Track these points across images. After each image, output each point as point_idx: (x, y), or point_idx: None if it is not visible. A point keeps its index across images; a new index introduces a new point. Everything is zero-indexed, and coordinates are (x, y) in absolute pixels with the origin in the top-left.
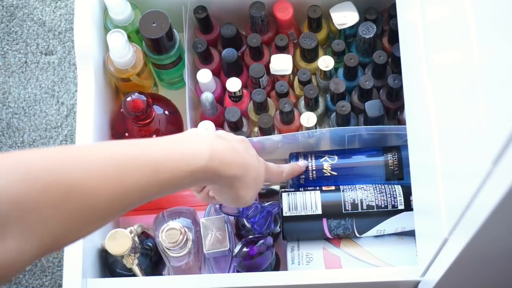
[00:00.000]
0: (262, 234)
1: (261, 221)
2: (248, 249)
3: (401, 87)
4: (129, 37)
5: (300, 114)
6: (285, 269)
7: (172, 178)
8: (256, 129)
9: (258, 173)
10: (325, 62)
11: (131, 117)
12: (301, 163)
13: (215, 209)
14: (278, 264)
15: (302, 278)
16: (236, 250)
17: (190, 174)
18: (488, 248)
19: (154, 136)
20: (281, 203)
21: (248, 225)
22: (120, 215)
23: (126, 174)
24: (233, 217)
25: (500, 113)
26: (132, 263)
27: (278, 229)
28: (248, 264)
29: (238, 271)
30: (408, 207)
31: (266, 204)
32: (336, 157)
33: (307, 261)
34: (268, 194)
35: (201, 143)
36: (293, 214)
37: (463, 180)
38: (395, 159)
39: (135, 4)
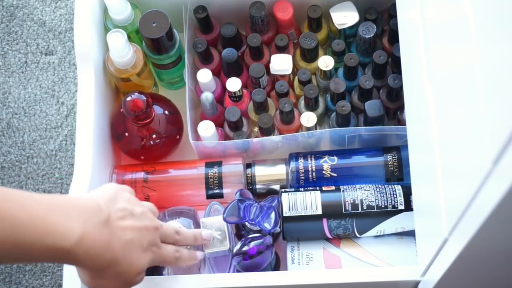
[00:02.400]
0: (270, 233)
1: (267, 219)
2: (247, 249)
3: (401, 87)
4: (129, 37)
5: (300, 114)
6: (285, 269)
7: (29, 247)
8: (256, 129)
9: (128, 267)
10: (325, 62)
11: (131, 117)
12: (198, 254)
13: (214, 209)
14: (278, 264)
15: (302, 278)
16: (236, 249)
17: (52, 252)
18: (488, 248)
19: (154, 136)
20: (281, 203)
21: (254, 228)
22: None
23: None
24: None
25: (500, 113)
26: None
27: (278, 229)
28: (248, 263)
29: (238, 271)
30: (408, 207)
31: (263, 201)
32: (336, 158)
33: (307, 261)
34: (267, 194)
35: (77, 222)
36: (293, 214)
37: (463, 180)
38: (395, 160)
39: (135, 4)
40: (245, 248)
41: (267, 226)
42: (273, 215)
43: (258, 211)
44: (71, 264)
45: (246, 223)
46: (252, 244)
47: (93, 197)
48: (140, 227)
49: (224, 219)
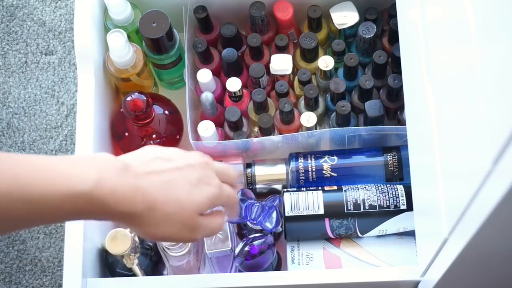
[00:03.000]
0: (272, 232)
1: (269, 218)
2: (249, 249)
3: (401, 87)
4: (129, 37)
5: (300, 114)
6: (285, 269)
7: (40, 198)
8: (256, 129)
9: (179, 206)
10: (325, 62)
11: (131, 116)
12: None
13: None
14: (279, 264)
15: (302, 278)
16: (238, 250)
17: (67, 200)
18: (488, 248)
19: (154, 136)
20: (283, 203)
21: (256, 227)
22: None
23: None
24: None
25: (500, 113)
26: (132, 263)
27: (280, 228)
28: (250, 263)
29: (240, 271)
30: (411, 207)
31: (265, 201)
32: (336, 157)
33: (307, 261)
34: (268, 194)
35: (90, 169)
36: (295, 214)
37: (463, 180)
38: (395, 160)
39: (135, 4)
40: (247, 248)
41: (269, 225)
42: (274, 214)
43: (260, 210)
44: (99, 216)
45: (248, 222)
46: (254, 244)
47: (107, 153)
48: (179, 167)
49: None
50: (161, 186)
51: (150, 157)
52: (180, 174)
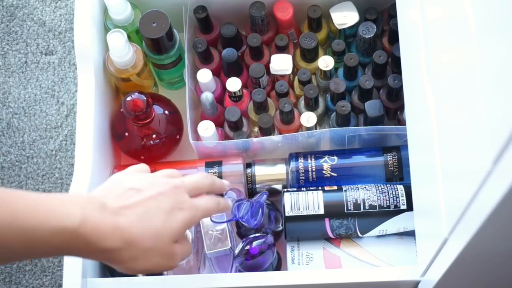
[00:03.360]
0: (267, 231)
1: (255, 216)
2: (249, 248)
3: (401, 87)
4: (129, 37)
5: (300, 114)
6: (285, 269)
7: (33, 232)
8: (256, 129)
9: (156, 239)
10: (325, 62)
11: (131, 117)
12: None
13: None
14: (279, 264)
15: (302, 278)
16: (238, 250)
17: (56, 235)
18: (488, 248)
19: (154, 136)
20: (283, 203)
21: (245, 225)
22: None
23: None
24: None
25: (500, 113)
26: None
27: (280, 227)
28: (250, 263)
29: (240, 271)
30: (411, 207)
31: (253, 198)
32: (335, 157)
33: (307, 261)
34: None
35: (75, 207)
36: (296, 214)
37: (463, 180)
38: (395, 160)
39: (135, 4)
40: (247, 248)
41: (254, 222)
42: (260, 211)
43: (247, 208)
44: (84, 252)
45: (240, 221)
46: (254, 244)
47: (83, 193)
48: (151, 196)
49: (211, 220)
50: (136, 220)
51: (122, 189)
52: (153, 204)
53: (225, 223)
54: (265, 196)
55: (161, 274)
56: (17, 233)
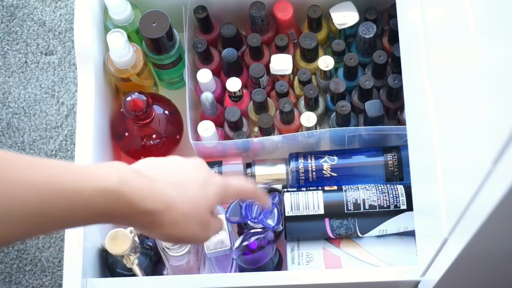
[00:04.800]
0: (273, 230)
1: (270, 215)
2: (248, 243)
3: (401, 87)
4: (129, 37)
5: (300, 114)
6: (285, 269)
7: (75, 193)
8: (256, 129)
9: (194, 205)
10: (325, 62)
11: (131, 116)
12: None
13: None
14: (280, 263)
15: (302, 278)
16: (237, 243)
17: (99, 195)
18: (488, 248)
19: (154, 136)
20: (283, 203)
21: (257, 226)
22: (20, 238)
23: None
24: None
25: (500, 113)
26: (132, 263)
27: (281, 227)
28: (249, 258)
29: (239, 267)
30: (411, 207)
31: None
32: (335, 157)
33: (307, 261)
34: (269, 194)
35: (111, 171)
36: (296, 214)
37: (463, 180)
38: (395, 159)
39: (135, 4)
40: (245, 243)
41: (271, 223)
42: (275, 211)
43: (260, 209)
44: (124, 217)
45: (249, 221)
46: (253, 238)
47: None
48: (184, 167)
49: (227, 219)
50: (173, 186)
51: (154, 164)
52: (188, 174)
53: (225, 223)
54: (277, 197)
55: (160, 274)
56: (59, 194)
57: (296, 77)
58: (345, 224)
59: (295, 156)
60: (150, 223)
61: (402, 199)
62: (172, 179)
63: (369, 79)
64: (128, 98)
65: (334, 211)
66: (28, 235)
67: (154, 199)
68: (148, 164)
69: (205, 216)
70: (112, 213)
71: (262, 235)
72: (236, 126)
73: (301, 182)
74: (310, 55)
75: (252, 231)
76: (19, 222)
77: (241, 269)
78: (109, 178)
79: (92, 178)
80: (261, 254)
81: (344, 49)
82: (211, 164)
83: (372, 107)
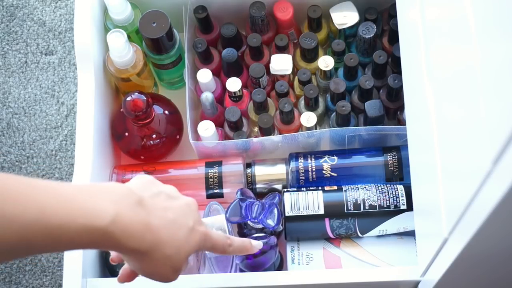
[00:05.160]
0: (272, 231)
1: (270, 216)
2: None
3: (401, 87)
4: (129, 37)
5: (300, 114)
6: (285, 269)
7: (60, 230)
8: (256, 129)
9: (177, 250)
10: (325, 62)
11: (131, 117)
12: (255, 243)
13: (213, 208)
14: (282, 264)
15: (302, 278)
16: None
17: (85, 234)
18: (488, 248)
19: (154, 136)
20: (283, 203)
21: (257, 226)
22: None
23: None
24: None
25: (500, 113)
26: None
27: (280, 227)
28: (251, 263)
29: (240, 270)
30: (411, 207)
31: (265, 199)
32: (335, 157)
33: (307, 261)
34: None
35: (109, 203)
36: (296, 214)
37: (463, 180)
38: (395, 159)
39: (135, 4)
40: None
41: (271, 223)
42: (275, 211)
43: (260, 209)
44: (109, 248)
45: (249, 221)
46: None
47: (121, 184)
48: (181, 205)
49: (227, 219)
50: (166, 225)
51: (156, 190)
52: (182, 215)
53: (225, 223)
54: (277, 197)
55: None
56: (43, 230)
57: (296, 77)
58: (345, 224)
59: (295, 156)
60: (131, 257)
61: (402, 199)
62: (167, 217)
63: (369, 79)
64: (128, 98)
65: (334, 211)
66: (5, 260)
67: (143, 238)
68: (150, 191)
69: (181, 262)
70: (96, 247)
71: (265, 240)
72: (236, 126)
73: (301, 182)
74: (310, 55)
75: (255, 235)
76: None
77: (242, 271)
78: (101, 216)
79: (83, 214)
80: (263, 259)
81: (344, 49)
82: (211, 164)
83: (372, 107)
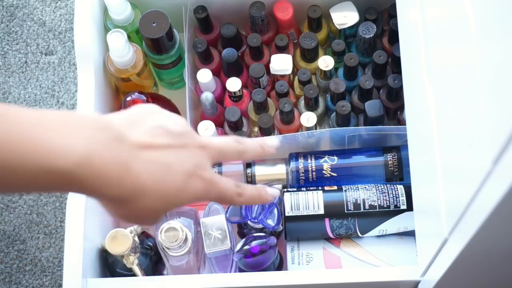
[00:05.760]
0: (273, 231)
1: (270, 216)
2: (249, 247)
3: (401, 87)
4: (129, 37)
5: (300, 114)
6: (285, 269)
7: (16, 169)
8: (256, 129)
9: (165, 200)
10: (325, 62)
11: None
12: (271, 191)
13: (213, 209)
14: (281, 264)
15: (302, 278)
16: (239, 246)
17: (44, 175)
18: (488, 248)
19: None
20: (283, 203)
21: (257, 226)
22: None
23: None
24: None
25: (500, 113)
26: (132, 263)
27: (280, 227)
28: (250, 261)
29: (239, 269)
30: (411, 207)
31: None
32: (335, 157)
33: (307, 261)
34: None
35: (78, 139)
36: (296, 214)
37: (463, 180)
38: (395, 159)
39: (135, 4)
40: (246, 247)
41: (271, 223)
42: (275, 211)
43: (260, 209)
44: (76, 192)
45: (249, 221)
46: (254, 243)
47: (99, 115)
48: (177, 146)
49: (227, 219)
50: (153, 170)
51: (150, 123)
52: (176, 158)
53: (225, 223)
54: (277, 197)
55: (160, 274)
56: None
57: (296, 77)
58: (345, 224)
59: (295, 156)
60: (105, 203)
61: (402, 199)
62: (155, 158)
63: (369, 79)
64: (128, 98)
65: (334, 211)
66: None
67: (119, 185)
68: (140, 124)
69: (165, 212)
70: (60, 190)
71: (265, 240)
72: (236, 126)
73: (301, 182)
74: (310, 55)
75: (254, 234)
76: None
77: (241, 270)
78: (66, 155)
79: (41, 150)
80: (262, 258)
81: (344, 49)
82: None
83: (372, 107)
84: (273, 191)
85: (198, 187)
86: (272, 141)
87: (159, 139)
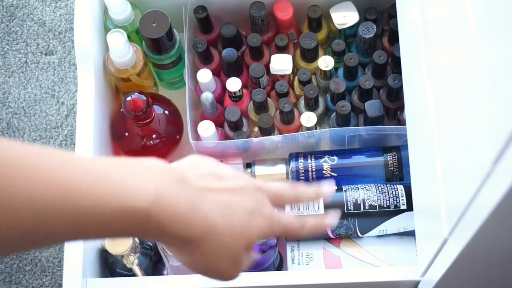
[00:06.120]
0: None
1: None
2: None
3: (401, 87)
4: (129, 37)
5: (300, 114)
6: (285, 269)
7: (92, 214)
8: (256, 129)
9: (233, 238)
10: (325, 62)
11: (131, 117)
12: (329, 220)
13: None
14: (281, 264)
15: (302, 278)
16: None
17: (122, 216)
18: (488, 248)
19: (154, 136)
20: None
21: None
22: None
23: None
24: None
25: (500, 112)
26: (132, 263)
27: None
28: None
29: None
30: (411, 207)
31: None
32: (336, 157)
33: (307, 261)
34: None
35: (147, 180)
36: (296, 214)
37: (463, 180)
38: (395, 159)
39: (135, 4)
40: None
41: None
42: None
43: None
44: (150, 235)
45: None
46: None
47: (160, 160)
48: (234, 189)
49: None
50: (219, 209)
51: (202, 170)
52: (236, 198)
53: None
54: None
55: (160, 274)
56: (67, 216)
57: (296, 77)
58: (345, 224)
59: (295, 156)
60: (179, 247)
61: (402, 199)
62: (219, 198)
63: (369, 79)
64: (128, 98)
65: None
66: (20, 251)
67: (192, 223)
68: (194, 170)
69: (240, 253)
70: (135, 234)
71: (265, 240)
72: (236, 126)
73: (301, 182)
74: (310, 55)
75: None
76: (7, 240)
77: None
78: (141, 195)
79: (118, 194)
80: (262, 259)
81: (344, 49)
82: None
83: (372, 107)
84: (332, 219)
85: (261, 224)
86: (329, 189)
87: (214, 183)
